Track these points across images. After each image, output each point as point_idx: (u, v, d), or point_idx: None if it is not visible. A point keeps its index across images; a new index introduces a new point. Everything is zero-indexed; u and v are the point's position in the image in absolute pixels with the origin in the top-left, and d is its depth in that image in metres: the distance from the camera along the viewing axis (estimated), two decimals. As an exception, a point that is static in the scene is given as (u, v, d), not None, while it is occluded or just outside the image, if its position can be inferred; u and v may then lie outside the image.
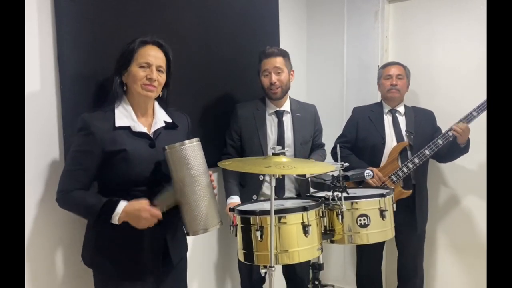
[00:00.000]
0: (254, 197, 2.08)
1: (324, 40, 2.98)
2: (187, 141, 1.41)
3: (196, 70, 2.07)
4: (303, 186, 2.15)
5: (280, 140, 2.10)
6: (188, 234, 1.46)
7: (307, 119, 2.20)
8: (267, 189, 2.11)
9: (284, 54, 2.12)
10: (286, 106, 2.17)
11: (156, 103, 1.57)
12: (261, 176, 2.08)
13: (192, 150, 1.41)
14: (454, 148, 2.26)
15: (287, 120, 2.15)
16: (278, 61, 2.08)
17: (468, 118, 2.19)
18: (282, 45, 2.59)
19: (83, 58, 1.58)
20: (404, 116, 2.42)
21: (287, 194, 2.12)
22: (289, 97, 2.20)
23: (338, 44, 2.92)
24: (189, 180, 1.40)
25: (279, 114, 2.14)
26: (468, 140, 2.25)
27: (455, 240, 2.69)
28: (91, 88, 1.60)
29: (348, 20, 2.88)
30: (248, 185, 2.12)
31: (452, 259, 2.71)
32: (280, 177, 2.04)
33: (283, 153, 1.96)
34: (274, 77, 2.06)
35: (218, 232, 2.34)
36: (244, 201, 2.00)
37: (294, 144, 2.12)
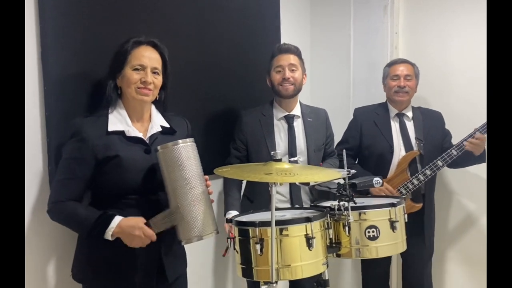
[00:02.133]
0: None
1: (329, 37, 2.99)
2: (180, 141, 1.43)
3: (191, 70, 2.07)
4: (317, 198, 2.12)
5: (292, 147, 2.09)
6: (181, 242, 1.46)
7: (319, 124, 2.20)
8: (279, 202, 2.07)
9: (300, 55, 2.14)
10: (297, 110, 2.16)
11: (153, 107, 1.58)
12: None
13: (185, 151, 1.42)
14: (470, 157, 2.23)
15: (298, 125, 2.15)
16: (294, 58, 2.10)
17: (485, 127, 2.14)
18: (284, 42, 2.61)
19: (69, 58, 1.58)
20: (412, 121, 2.39)
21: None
22: (299, 101, 2.20)
23: (344, 41, 2.92)
24: (181, 182, 1.40)
25: (289, 119, 2.13)
26: (485, 150, 2.22)
27: (464, 252, 2.71)
28: (78, 90, 1.60)
29: (355, 15, 2.88)
30: (256, 200, 2.10)
31: (461, 272, 2.74)
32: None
33: (296, 161, 1.96)
34: (288, 73, 2.07)
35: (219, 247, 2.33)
36: None
37: (307, 150, 2.12)
